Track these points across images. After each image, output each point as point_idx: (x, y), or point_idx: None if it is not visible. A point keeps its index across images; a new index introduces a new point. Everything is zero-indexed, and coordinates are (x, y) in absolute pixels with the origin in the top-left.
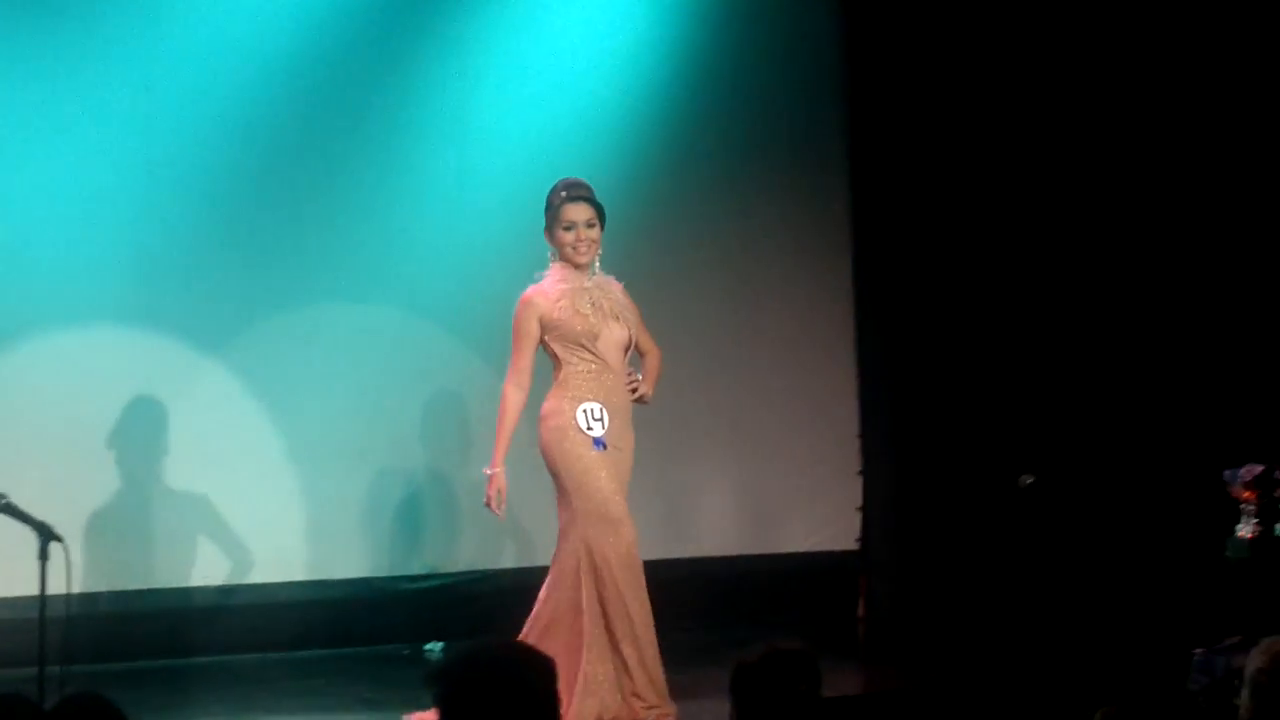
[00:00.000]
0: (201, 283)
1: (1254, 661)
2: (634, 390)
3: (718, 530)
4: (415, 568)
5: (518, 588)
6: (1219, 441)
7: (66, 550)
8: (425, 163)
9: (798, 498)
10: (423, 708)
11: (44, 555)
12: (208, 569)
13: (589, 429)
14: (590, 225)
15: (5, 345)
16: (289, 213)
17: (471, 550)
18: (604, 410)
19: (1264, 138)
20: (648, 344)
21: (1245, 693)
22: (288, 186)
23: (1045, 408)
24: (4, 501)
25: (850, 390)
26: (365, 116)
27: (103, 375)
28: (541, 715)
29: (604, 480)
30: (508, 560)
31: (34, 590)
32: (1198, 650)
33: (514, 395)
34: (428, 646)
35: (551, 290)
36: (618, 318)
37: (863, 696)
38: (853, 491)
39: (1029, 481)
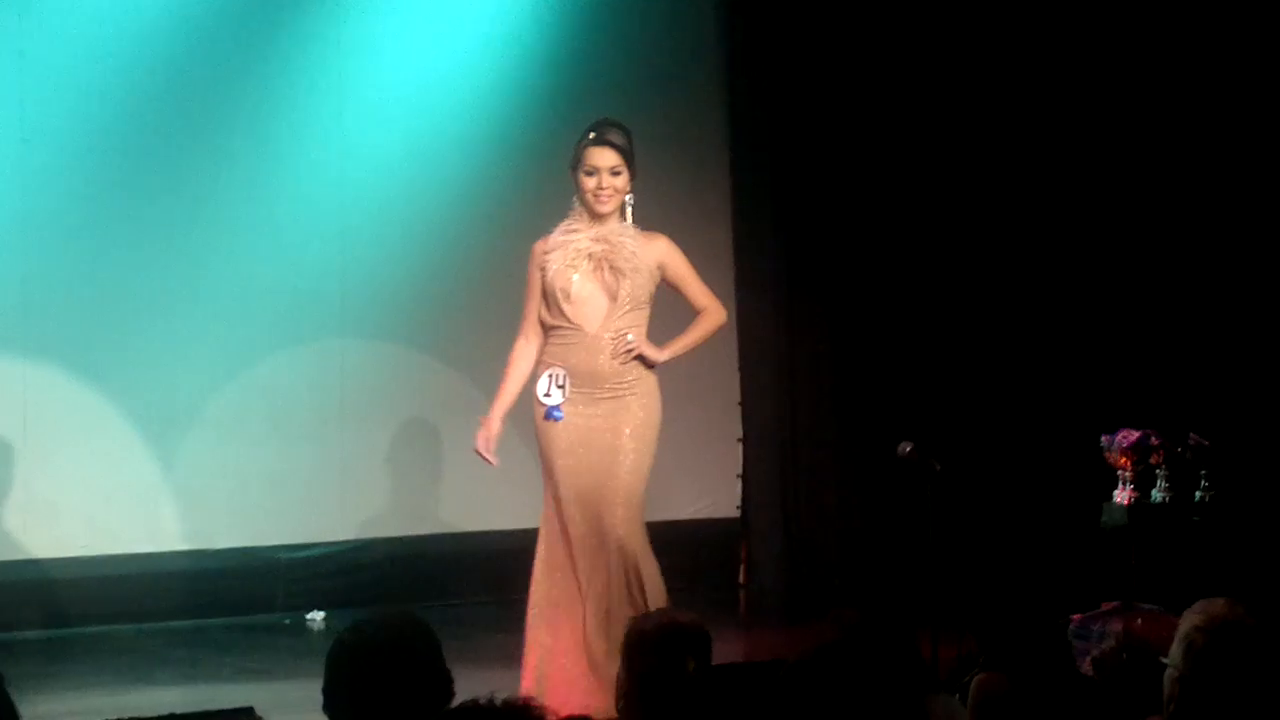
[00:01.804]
0: (78, 247)
1: (1189, 620)
2: (627, 351)
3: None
4: (294, 537)
5: (397, 556)
6: (1096, 407)
7: None
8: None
9: (679, 466)
10: (304, 678)
11: None
12: (85, 539)
13: (546, 396)
14: (615, 173)
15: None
16: (167, 174)
17: (351, 519)
18: (567, 377)
19: (1145, 97)
20: (703, 300)
21: (1177, 651)
22: (173, 143)
23: (925, 374)
24: None
25: (731, 357)
26: (243, 82)
27: None
28: (430, 688)
29: (555, 457)
30: (389, 529)
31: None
32: (1075, 616)
33: (518, 346)
34: (309, 616)
35: (554, 241)
36: (618, 275)
37: (745, 665)
38: (733, 459)
39: (908, 449)
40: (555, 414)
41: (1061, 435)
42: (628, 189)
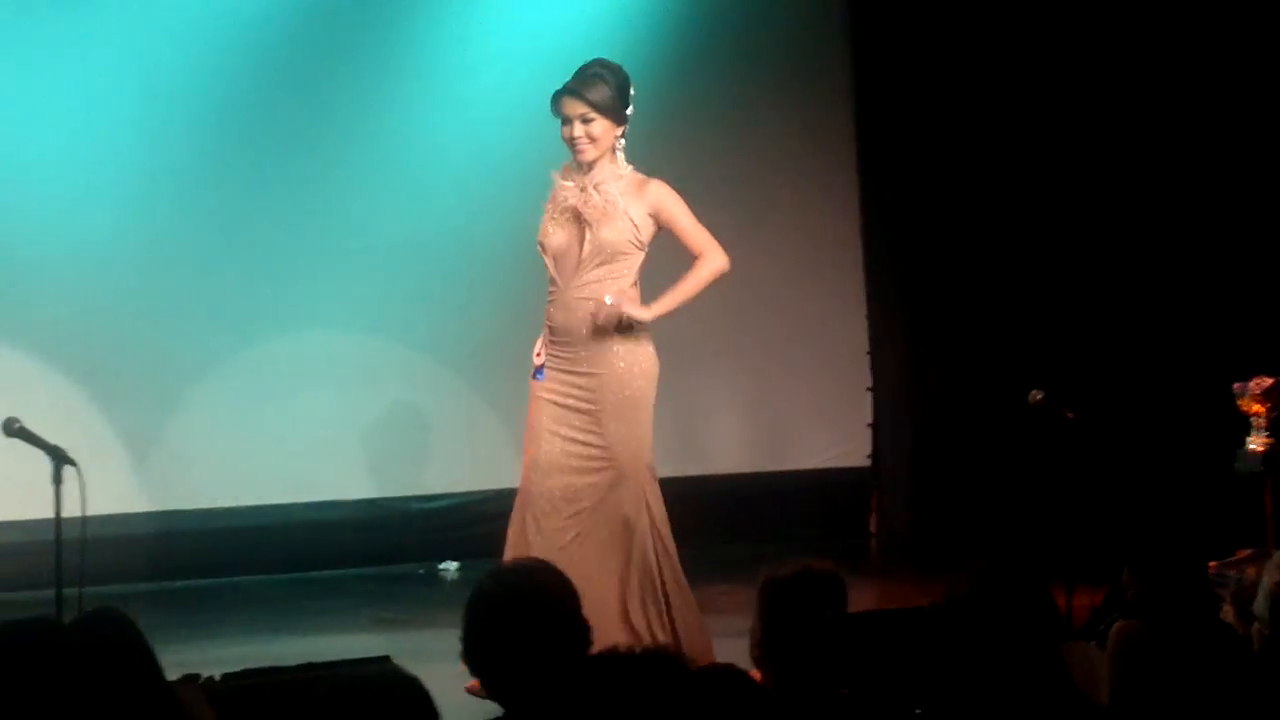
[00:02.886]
0: (208, 203)
1: (1272, 574)
2: (609, 314)
3: (729, 448)
4: (426, 488)
5: None
6: (1229, 354)
7: (80, 473)
8: (431, 79)
9: (809, 415)
10: (440, 627)
11: (58, 479)
12: (221, 490)
13: (536, 355)
14: (586, 120)
15: (14, 269)
16: (292, 128)
17: (482, 470)
18: (549, 331)
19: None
20: (698, 246)
21: (1261, 603)
22: (298, 100)
23: (1056, 322)
24: (17, 426)
25: (859, 306)
26: (373, 38)
27: (113, 298)
28: (570, 636)
29: (539, 417)
30: (518, 479)
31: (49, 514)
32: (1210, 564)
33: None
34: (442, 566)
35: (552, 195)
36: (584, 226)
37: (879, 613)
38: (863, 408)
39: (1039, 397)
40: (539, 374)
41: (1194, 382)
42: (611, 135)
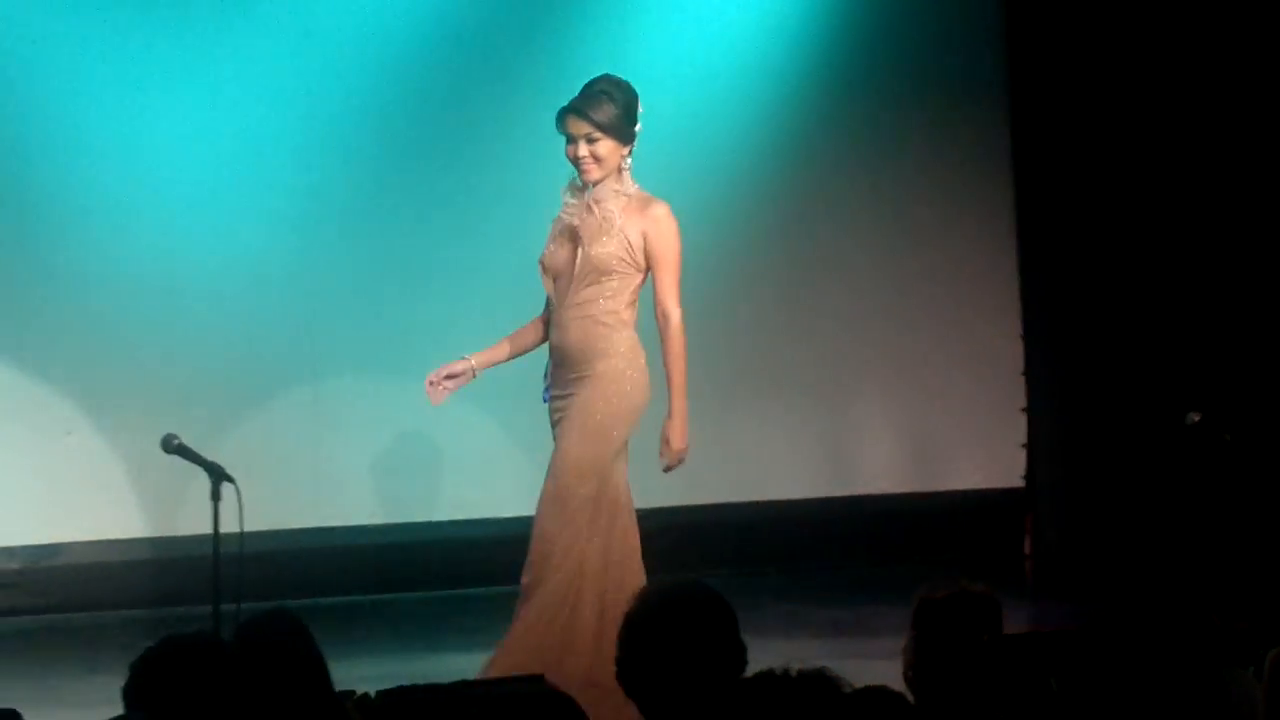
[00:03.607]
0: (362, 221)
1: None
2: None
3: (881, 468)
4: None
5: (682, 525)
6: None
7: (238, 489)
8: None
9: (961, 435)
10: None
11: (216, 495)
12: (375, 507)
13: (545, 376)
14: (591, 139)
15: (174, 287)
16: (442, 147)
17: (637, 488)
18: (549, 353)
19: None
20: (661, 297)
21: None
22: (448, 118)
23: (1216, 342)
24: (176, 442)
25: (1014, 326)
26: (527, 60)
27: (269, 316)
28: (726, 656)
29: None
30: (673, 498)
31: (207, 529)
32: None
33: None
34: None
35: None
36: (576, 245)
37: (1035, 634)
38: (1017, 428)
39: (1196, 419)
40: (544, 395)
41: None
42: (617, 154)
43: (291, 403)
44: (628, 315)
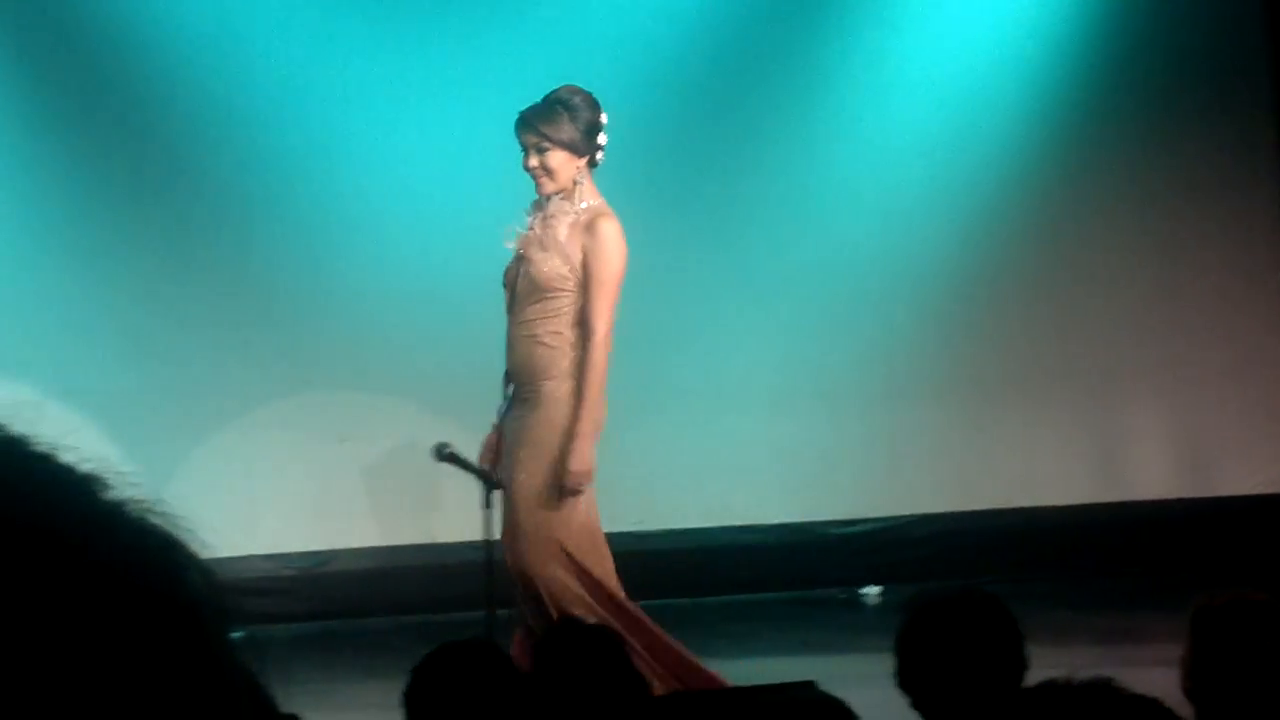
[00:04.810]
0: (630, 228)
1: None
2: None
3: (1154, 473)
4: (845, 512)
5: (949, 531)
6: None
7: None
8: (842, 103)
9: (1237, 438)
10: (863, 652)
11: (487, 503)
12: (643, 514)
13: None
14: (541, 150)
15: (453, 297)
16: (704, 153)
17: (902, 494)
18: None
19: None
20: (595, 308)
21: None
22: (713, 125)
23: None
24: (448, 451)
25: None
26: (784, 65)
27: None
28: (1009, 665)
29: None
30: (939, 504)
31: (478, 536)
32: None
33: None
34: (863, 590)
35: None
36: (528, 256)
37: None
38: None
39: None
40: (499, 415)
41: None
42: (572, 167)
43: None
44: (573, 335)
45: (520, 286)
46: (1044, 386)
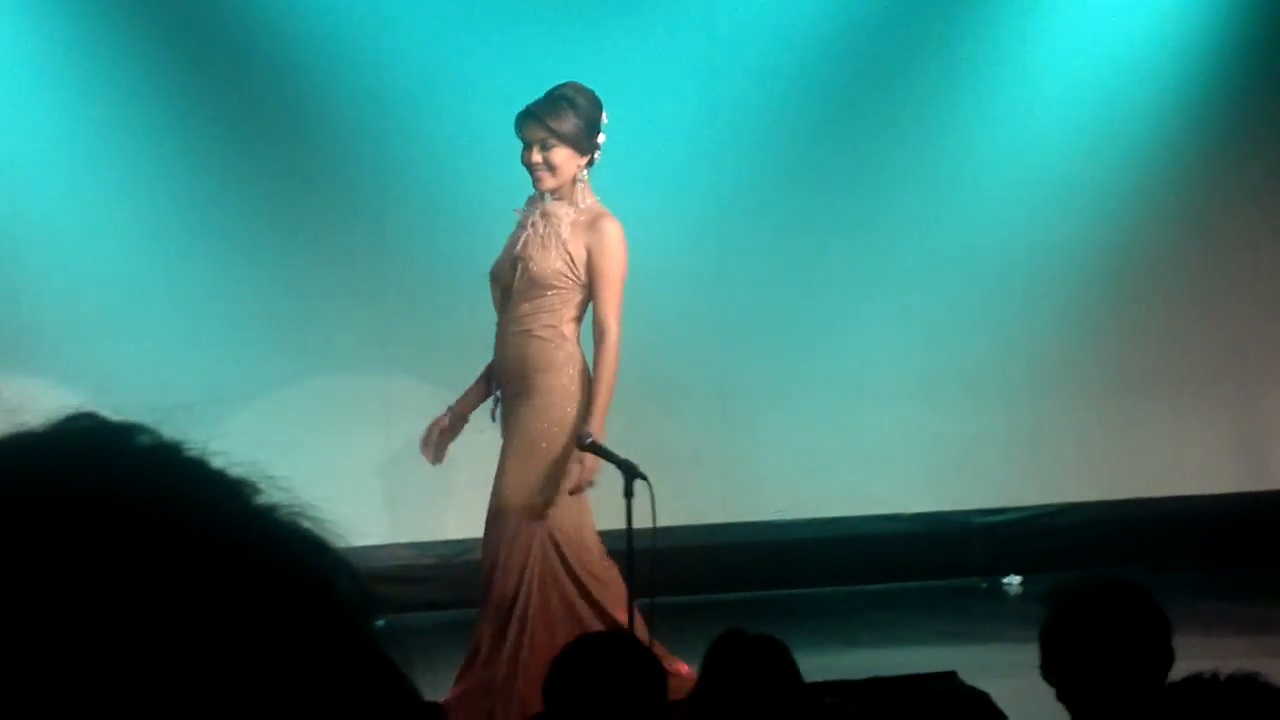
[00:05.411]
0: (772, 219)
1: None
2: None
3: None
4: (987, 501)
5: (1095, 521)
6: None
7: (650, 487)
8: (989, 90)
9: None
10: (1006, 642)
11: (629, 492)
12: (784, 503)
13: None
14: (546, 146)
15: None
16: (846, 144)
17: (1044, 483)
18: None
19: None
20: (600, 314)
21: None
22: (853, 115)
23: None
24: (590, 441)
25: None
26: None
27: (679, 316)
28: (1156, 658)
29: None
30: (1082, 493)
31: (621, 525)
32: None
33: None
34: (1005, 579)
35: None
36: (515, 259)
37: None
38: None
39: None
40: (493, 414)
41: None
42: (573, 164)
43: (700, 401)
44: (569, 330)
45: (518, 283)
46: (1189, 375)
